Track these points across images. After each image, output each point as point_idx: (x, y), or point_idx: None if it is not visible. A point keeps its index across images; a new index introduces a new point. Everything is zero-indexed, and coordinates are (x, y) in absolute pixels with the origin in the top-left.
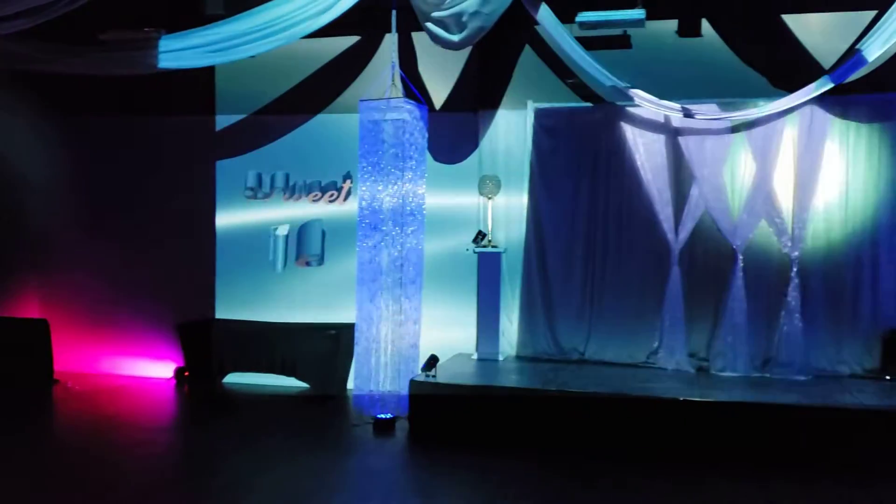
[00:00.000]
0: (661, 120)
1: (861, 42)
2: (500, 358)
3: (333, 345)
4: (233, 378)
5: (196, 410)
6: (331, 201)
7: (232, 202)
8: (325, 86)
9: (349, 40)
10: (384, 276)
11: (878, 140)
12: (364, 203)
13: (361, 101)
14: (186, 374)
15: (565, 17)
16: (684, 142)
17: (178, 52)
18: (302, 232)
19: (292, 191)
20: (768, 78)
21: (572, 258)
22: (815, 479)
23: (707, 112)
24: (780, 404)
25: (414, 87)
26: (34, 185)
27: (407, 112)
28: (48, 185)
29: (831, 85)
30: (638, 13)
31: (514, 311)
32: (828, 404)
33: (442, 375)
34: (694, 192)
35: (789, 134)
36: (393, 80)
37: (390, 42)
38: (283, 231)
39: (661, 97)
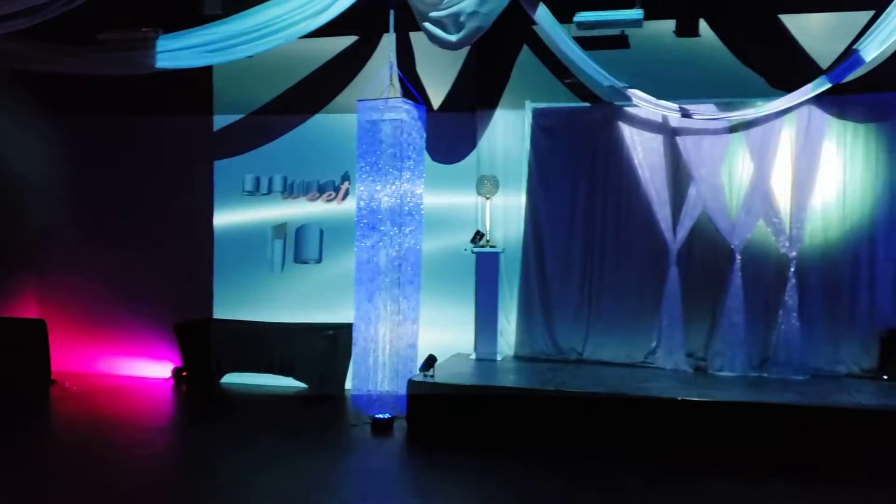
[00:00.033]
0: (659, 120)
1: (858, 42)
2: (499, 358)
3: (331, 345)
4: (231, 378)
5: (194, 411)
6: (329, 201)
7: (230, 202)
8: (323, 86)
9: (347, 40)
10: (382, 276)
11: (875, 140)
12: (362, 203)
13: (359, 101)
14: (184, 374)
15: (563, 16)
16: (682, 142)
17: (176, 52)
18: (299, 233)
19: (290, 190)
20: (766, 78)
21: (570, 258)
22: (813, 478)
23: (705, 112)
24: (778, 404)
25: (412, 87)
26: (32, 185)
27: (405, 112)
28: (45, 184)
29: (829, 85)
30: (636, 13)
31: (512, 310)
32: (825, 404)
33: (440, 375)
34: (692, 191)
35: (787, 134)
36: (391, 80)
37: (388, 42)
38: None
39: (659, 97)
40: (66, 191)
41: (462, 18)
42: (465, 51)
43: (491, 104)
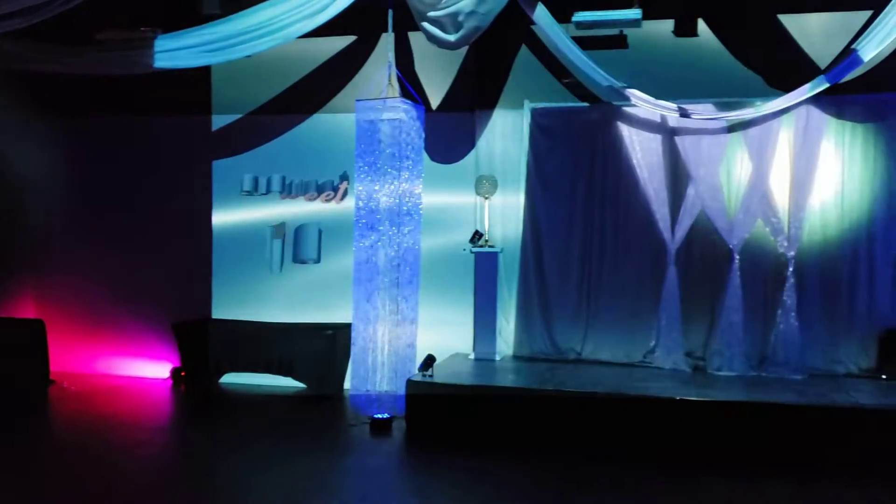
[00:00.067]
0: (658, 120)
1: (857, 42)
2: (497, 358)
3: (330, 345)
4: (229, 378)
5: (192, 411)
6: (327, 201)
7: (228, 202)
8: (322, 86)
9: (345, 40)
10: (381, 276)
11: (873, 140)
12: (361, 203)
13: (358, 100)
14: (183, 374)
15: (562, 16)
16: (681, 141)
17: (174, 51)
18: (298, 233)
19: (289, 190)
20: (764, 78)
21: (569, 258)
22: (812, 478)
23: (703, 112)
24: (777, 403)
25: (410, 87)
26: (30, 185)
27: (403, 112)
28: (44, 184)
29: (827, 85)
30: (634, 13)
31: (510, 310)
32: (824, 403)
33: (439, 375)
34: (690, 191)
35: (785, 134)
36: (389, 80)
37: (387, 42)
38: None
39: (658, 97)
40: (65, 191)
41: (460, 18)
42: (463, 51)
43: (489, 104)
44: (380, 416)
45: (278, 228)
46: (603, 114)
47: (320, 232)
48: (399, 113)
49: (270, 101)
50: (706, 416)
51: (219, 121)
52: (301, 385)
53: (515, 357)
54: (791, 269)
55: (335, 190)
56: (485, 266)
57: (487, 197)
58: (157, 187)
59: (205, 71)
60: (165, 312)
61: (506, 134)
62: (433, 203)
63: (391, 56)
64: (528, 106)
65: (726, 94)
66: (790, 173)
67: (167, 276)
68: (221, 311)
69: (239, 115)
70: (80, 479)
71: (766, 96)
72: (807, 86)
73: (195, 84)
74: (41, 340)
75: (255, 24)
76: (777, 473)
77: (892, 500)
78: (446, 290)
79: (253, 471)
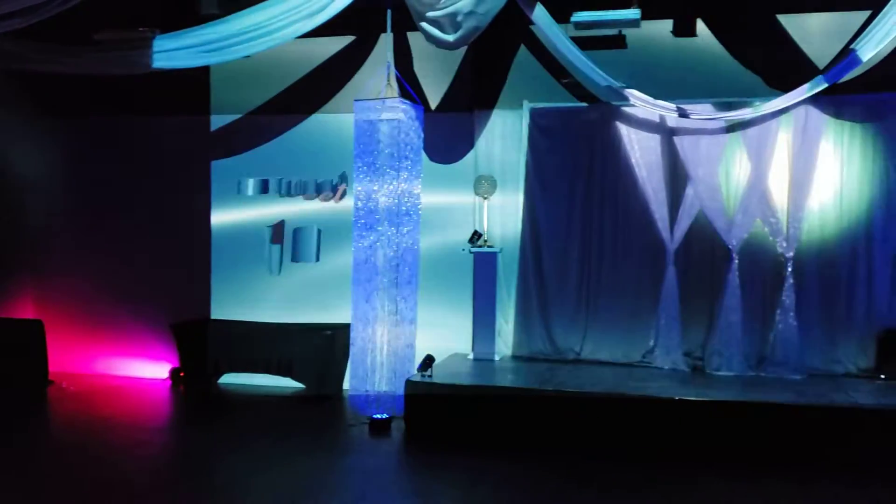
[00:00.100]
0: (657, 120)
1: (855, 42)
2: (497, 358)
3: (329, 345)
4: (228, 378)
5: (191, 411)
6: (326, 201)
7: (227, 202)
8: (321, 86)
9: (344, 40)
10: (380, 277)
11: (872, 140)
12: (359, 203)
13: (356, 101)
14: (182, 374)
15: (560, 16)
16: (679, 142)
17: (173, 51)
18: (297, 233)
19: (288, 191)
20: (763, 78)
21: (568, 258)
22: (811, 478)
23: (702, 112)
24: (775, 403)
25: (409, 87)
26: (30, 185)
27: (402, 112)
28: (43, 184)
29: (826, 85)
30: (633, 13)
31: (510, 310)
32: (822, 403)
33: (438, 375)
34: (689, 191)
35: (784, 134)
36: (388, 80)
37: (385, 42)
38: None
39: (657, 97)
40: (64, 191)
41: (459, 18)
42: (462, 51)
43: (488, 104)
44: (379, 416)
45: (277, 229)
46: (602, 114)
47: (319, 232)
48: (398, 113)
49: (269, 101)
50: (705, 416)
51: (217, 121)
52: (300, 385)
53: (514, 357)
54: (790, 269)
55: (334, 190)
56: (484, 266)
57: (486, 197)
58: (157, 187)
59: (204, 71)
60: (164, 313)
61: (505, 134)
62: (432, 203)
63: (390, 56)
64: (526, 106)
65: (725, 94)
66: (789, 173)
67: (166, 276)
68: (220, 311)
69: (238, 116)
70: (80, 479)
71: (765, 96)
72: (805, 86)
73: (194, 84)
74: (40, 340)
75: (253, 24)
76: (776, 473)
77: (892, 500)
78: (445, 290)
79: (252, 471)
